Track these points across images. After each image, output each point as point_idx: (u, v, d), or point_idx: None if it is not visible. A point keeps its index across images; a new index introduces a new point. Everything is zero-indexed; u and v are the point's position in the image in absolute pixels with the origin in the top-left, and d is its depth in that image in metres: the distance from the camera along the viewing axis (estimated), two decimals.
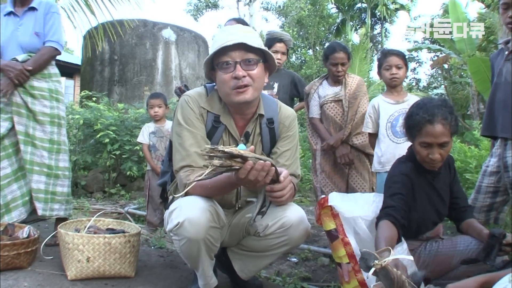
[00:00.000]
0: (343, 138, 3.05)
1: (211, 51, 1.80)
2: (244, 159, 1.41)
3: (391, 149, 2.67)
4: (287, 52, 3.51)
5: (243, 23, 3.18)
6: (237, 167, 1.42)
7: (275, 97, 3.23)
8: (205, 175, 1.41)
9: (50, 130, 2.80)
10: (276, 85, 3.37)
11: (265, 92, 3.27)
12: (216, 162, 1.36)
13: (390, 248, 1.40)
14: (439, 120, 1.77)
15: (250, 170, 1.43)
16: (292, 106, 3.59)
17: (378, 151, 2.75)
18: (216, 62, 1.76)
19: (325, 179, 3.15)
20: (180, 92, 3.12)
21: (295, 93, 3.54)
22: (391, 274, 1.24)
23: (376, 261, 1.27)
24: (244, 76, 1.71)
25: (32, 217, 2.86)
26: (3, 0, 3.14)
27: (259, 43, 1.75)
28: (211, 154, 1.34)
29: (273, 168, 1.51)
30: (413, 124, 1.84)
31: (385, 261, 1.26)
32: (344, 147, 3.06)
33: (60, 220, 2.88)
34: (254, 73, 1.74)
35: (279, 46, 3.33)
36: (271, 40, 3.36)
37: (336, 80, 3.16)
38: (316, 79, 3.33)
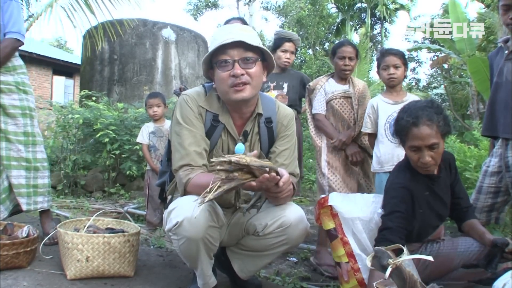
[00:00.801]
0: (354, 136, 2.94)
1: (210, 49, 1.80)
2: (252, 171, 1.43)
3: (390, 149, 2.67)
4: (296, 51, 3.50)
5: (244, 22, 3.18)
6: (243, 182, 1.45)
7: (285, 97, 3.21)
8: (216, 194, 1.43)
9: (23, 123, 2.74)
10: (285, 85, 3.37)
11: (275, 92, 3.27)
12: (223, 175, 1.39)
13: (403, 246, 1.39)
14: (424, 121, 1.75)
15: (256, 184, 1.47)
16: (300, 106, 3.59)
17: (377, 151, 2.74)
18: (214, 60, 1.77)
19: (335, 175, 2.90)
20: (180, 92, 3.12)
21: (303, 94, 3.53)
22: (404, 274, 1.23)
23: (391, 260, 1.26)
24: (242, 74, 1.72)
25: (15, 209, 2.80)
26: None
27: (257, 42, 1.76)
28: (218, 168, 1.37)
29: (278, 177, 1.54)
30: (400, 129, 1.83)
31: (399, 261, 1.26)
32: (354, 145, 2.94)
33: (43, 212, 2.87)
34: (252, 71, 1.75)
35: (288, 45, 3.33)
36: (279, 40, 3.35)
37: (343, 75, 3.02)
38: (322, 76, 3.21)
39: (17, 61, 2.79)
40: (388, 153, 2.66)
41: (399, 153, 2.57)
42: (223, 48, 1.72)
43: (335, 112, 3.00)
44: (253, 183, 1.46)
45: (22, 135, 2.73)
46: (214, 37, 1.81)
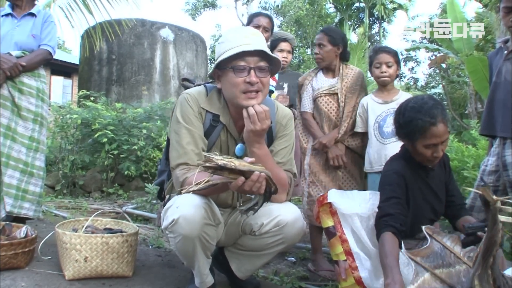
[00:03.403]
0: (338, 138, 2.74)
1: (220, 49, 1.80)
2: (240, 173, 1.44)
3: (378, 149, 2.66)
4: (292, 51, 3.51)
5: (271, 20, 3.22)
6: (230, 180, 1.47)
7: (286, 97, 3.20)
8: (201, 186, 1.49)
9: (31, 127, 2.85)
10: (285, 86, 3.36)
11: (276, 92, 3.27)
12: (211, 171, 1.42)
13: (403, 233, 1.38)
14: (440, 120, 1.80)
15: (244, 183, 1.46)
16: None
17: (368, 151, 2.73)
18: (229, 64, 1.76)
19: (314, 182, 2.78)
20: (186, 83, 3.05)
21: None
22: (496, 218, 1.23)
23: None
24: (256, 82, 1.74)
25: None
26: (2, 4, 3.22)
27: (267, 47, 1.79)
28: (207, 165, 1.39)
29: (267, 178, 1.53)
30: (416, 129, 1.83)
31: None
32: (338, 148, 2.74)
33: (19, 219, 2.83)
34: (265, 80, 1.78)
35: (284, 45, 3.33)
36: (275, 41, 3.35)
37: (317, 64, 2.89)
38: (311, 70, 3.04)
39: (41, 70, 2.98)
40: (376, 153, 2.65)
41: (387, 153, 2.57)
42: (240, 53, 1.72)
43: (320, 111, 2.83)
44: (240, 182, 1.45)
45: (27, 139, 2.82)
46: (227, 39, 1.81)
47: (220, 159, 1.39)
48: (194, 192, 1.57)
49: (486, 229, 1.71)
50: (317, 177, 2.79)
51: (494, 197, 1.26)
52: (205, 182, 1.48)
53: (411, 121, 1.85)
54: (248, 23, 3.19)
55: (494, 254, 1.28)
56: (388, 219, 1.75)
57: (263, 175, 1.48)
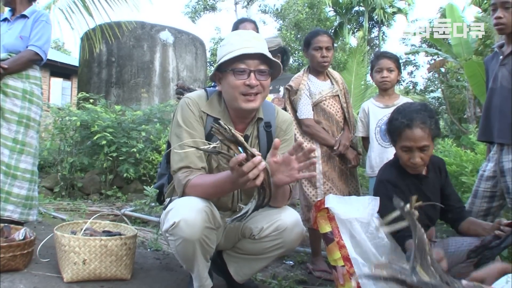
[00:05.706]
0: (351, 138, 2.78)
1: (221, 51, 1.82)
2: (244, 149, 1.46)
3: (379, 153, 2.68)
4: (283, 54, 3.46)
5: (256, 25, 3.21)
6: (233, 154, 1.48)
7: (282, 100, 3.21)
8: (207, 148, 1.50)
9: (15, 130, 2.79)
10: (281, 89, 3.36)
11: (272, 96, 3.27)
12: (220, 137, 1.45)
13: None
14: (418, 124, 1.82)
15: (243, 164, 1.45)
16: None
17: (369, 155, 2.76)
18: (229, 66, 1.77)
19: (332, 189, 2.70)
20: (182, 90, 3.09)
21: None
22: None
23: None
24: (256, 85, 1.76)
25: None
26: (2, 10, 3.25)
27: (267, 50, 1.80)
28: (219, 131, 1.42)
29: (265, 169, 1.52)
30: (393, 129, 1.89)
31: None
32: (351, 148, 2.77)
33: (12, 222, 2.79)
34: (265, 83, 1.79)
35: None
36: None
37: (321, 69, 2.81)
38: (300, 73, 2.90)
39: (33, 72, 2.94)
40: (378, 157, 2.68)
41: (388, 157, 2.59)
42: (241, 57, 1.74)
43: (328, 115, 2.79)
44: (241, 157, 1.44)
45: (11, 141, 2.78)
46: (229, 42, 1.83)
47: (236, 132, 1.44)
48: (198, 149, 1.60)
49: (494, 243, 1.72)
50: (334, 183, 2.74)
51: None
52: (211, 147, 1.51)
53: (391, 121, 1.92)
54: (234, 29, 3.14)
55: None
56: (405, 232, 1.76)
57: (264, 164, 1.48)
